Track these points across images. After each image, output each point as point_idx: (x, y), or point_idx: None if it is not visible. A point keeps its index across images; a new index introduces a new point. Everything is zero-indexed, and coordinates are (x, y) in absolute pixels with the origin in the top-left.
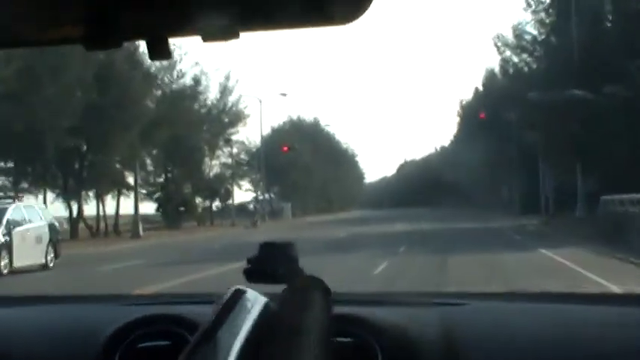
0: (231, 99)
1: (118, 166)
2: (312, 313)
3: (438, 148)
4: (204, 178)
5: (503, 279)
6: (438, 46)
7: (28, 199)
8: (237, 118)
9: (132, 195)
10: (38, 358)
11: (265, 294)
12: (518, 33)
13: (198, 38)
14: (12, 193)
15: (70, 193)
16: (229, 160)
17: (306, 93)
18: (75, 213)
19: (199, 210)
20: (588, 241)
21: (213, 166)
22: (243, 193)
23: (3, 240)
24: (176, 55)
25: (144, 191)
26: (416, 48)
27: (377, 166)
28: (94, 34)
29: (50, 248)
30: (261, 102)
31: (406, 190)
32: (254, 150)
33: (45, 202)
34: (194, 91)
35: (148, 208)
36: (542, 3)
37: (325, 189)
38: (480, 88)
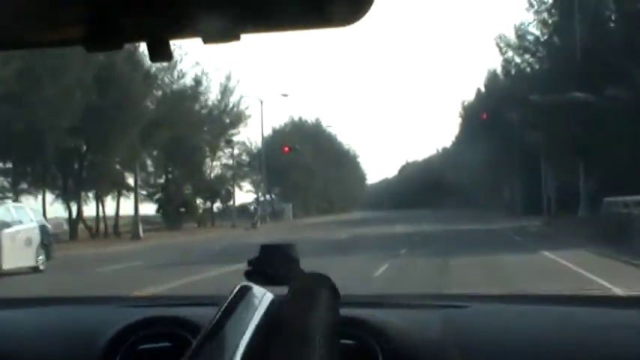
0: (232, 99)
1: (117, 167)
2: (319, 309)
3: (440, 149)
4: (205, 179)
5: (504, 281)
6: (440, 47)
7: (27, 200)
8: (238, 118)
9: (132, 196)
10: (41, 359)
11: None
12: (521, 33)
13: (198, 40)
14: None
15: (69, 194)
16: (230, 161)
17: (307, 94)
18: (74, 214)
19: (200, 211)
20: (591, 243)
21: (214, 167)
22: (244, 195)
23: None
24: (176, 55)
25: (144, 192)
26: (417, 49)
27: (378, 167)
28: (95, 36)
29: (41, 250)
30: (262, 102)
31: (407, 191)
32: (255, 151)
33: (44, 202)
34: (195, 91)
35: (149, 209)
36: (545, 3)
37: (327, 190)
38: (482, 89)
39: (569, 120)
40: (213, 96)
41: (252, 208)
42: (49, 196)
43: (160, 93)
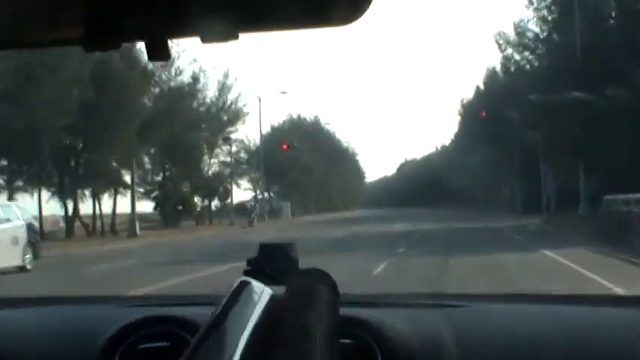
0: (230, 97)
1: (114, 164)
2: (319, 306)
3: (439, 148)
4: (203, 177)
5: (504, 280)
6: (439, 45)
7: (23, 198)
8: (236, 116)
9: (129, 194)
10: (37, 359)
11: None
12: (520, 30)
13: (197, 39)
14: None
15: (65, 192)
16: (228, 159)
17: (306, 91)
18: (71, 212)
19: (198, 209)
20: (591, 241)
21: (212, 164)
22: (242, 193)
23: None
24: (174, 52)
25: (141, 190)
26: (416, 46)
27: (377, 165)
28: (93, 36)
29: (28, 249)
30: (260, 100)
31: (406, 189)
32: (253, 149)
33: (40, 200)
34: (192, 88)
35: (146, 207)
36: (545, 0)
37: (325, 188)
38: (481, 86)
39: (568, 119)
40: (211, 93)
41: (250, 206)
42: (46, 194)
43: (157, 90)
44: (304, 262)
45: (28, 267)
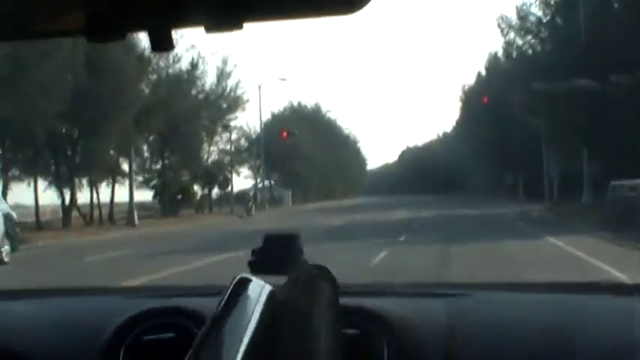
0: (230, 84)
1: (112, 152)
2: (319, 302)
3: (441, 134)
4: (203, 165)
5: (508, 269)
6: (440, 30)
7: (19, 187)
8: (235, 103)
9: (127, 182)
10: (43, 351)
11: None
12: (523, 14)
13: (200, 29)
14: None
15: (62, 181)
16: (228, 147)
17: (306, 78)
18: (68, 201)
19: (198, 197)
20: (596, 228)
21: (212, 152)
22: (243, 181)
23: None
24: None
25: (140, 178)
26: (417, 31)
27: (379, 152)
28: (96, 27)
29: (5, 240)
30: (260, 87)
31: (408, 176)
32: (254, 136)
33: (36, 189)
34: (191, 75)
35: (146, 195)
36: None
37: (327, 176)
38: (483, 72)
39: (571, 105)
40: (210, 80)
41: (248, 194)
42: (43, 184)
43: (155, 77)
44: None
45: (6, 259)
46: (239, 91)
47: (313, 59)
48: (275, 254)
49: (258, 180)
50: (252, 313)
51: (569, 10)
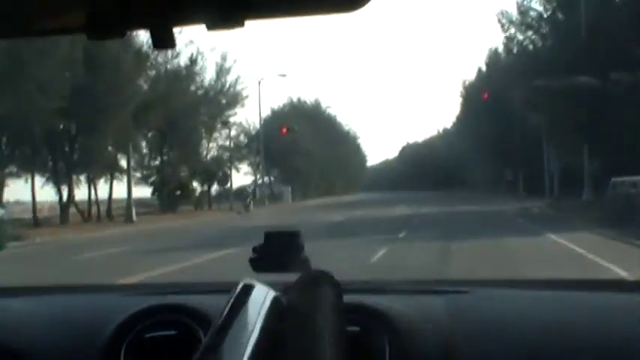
0: (229, 80)
1: (110, 148)
2: (323, 307)
3: (441, 130)
4: (202, 161)
5: (508, 266)
6: (440, 26)
7: (16, 184)
8: (234, 99)
9: (126, 179)
10: (42, 349)
11: (271, 283)
12: (524, 9)
13: (202, 26)
14: None
15: (60, 177)
16: (227, 143)
17: (306, 74)
18: (66, 197)
19: (197, 194)
20: (597, 225)
21: (211, 149)
22: (242, 177)
23: None
24: None
25: (139, 175)
26: (418, 27)
27: (379, 148)
28: (97, 24)
29: None
30: (259, 83)
31: (408, 173)
32: (253, 132)
33: (33, 186)
34: (190, 71)
35: (145, 192)
36: None
37: (327, 172)
38: (483, 68)
39: (572, 102)
40: (209, 76)
41: (246, 190)
42: (40, 180)
43: (153, 73)
44: None
45: None
46: (238, 87)
47: (313, 55)
48: (276, 251)
49: (258, 176)
50: (257, 319)
51: (570, 6)
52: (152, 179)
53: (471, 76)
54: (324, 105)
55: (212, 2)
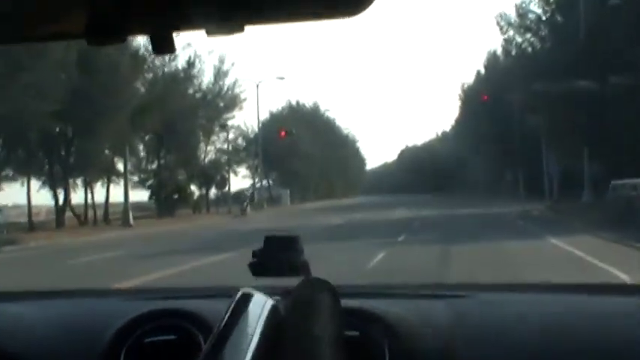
0: (227, 83)
1: (107, 152)
2: (322, 315)
3: (440, 133)
4: (200, 165)
5: (508, 270)
6: (439, 28)
7: (12, 187)
8: (232, 102)
9: (123, 182)
10: (44, 353)
11: (271, 287)
12: (522, 12)
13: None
14: None
15: (56, 181)
16: (225, 146)
17: (304, 77)
18: (62, 201)
19: (195, 197)
20: (597, 228)
21: (209, 152)
22: (240, 180)
23: None
24: None
25: (136, 178)
26: (416, 30)
27: (378, 151)
28: (97, 30)
29: None
30: (258, 86)
31: (407, 176)
32: (252, 135)
33: (29, 189)
34: (188, 74)
35: (142, 195)
36: None
37: (325, 175)
38: (482, 70)
39: (571, 105)
40: (206, 79)
41: (244, 194)
42: (36, 183)
43: (150, 75)
44: None
45: None
46: (236, 90)
47: (312, 58)
48: (275, 256)
49: (256, 179)
50: (255, 328)
51: (569, 8)
52: (149, 183)
53: (469, 79)
54: (322, 108)
55: (212, 8)
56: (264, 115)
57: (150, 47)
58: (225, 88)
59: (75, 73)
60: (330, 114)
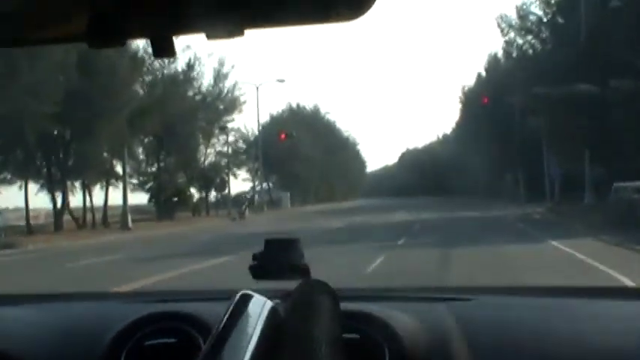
0: (227, 85)
1: (105, 154)
2: (321, 317)
3: (440, 136)
4: (199, 168)
5: (508, 272)
6: (439, 31)
7: (9, 190)
8: (232, 105)
9: (122, 185)
10: (44, 356)
11: (271, 290)
12: (523, 14)
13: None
14: None
15: (54, 184)
16: (225, 149)
17: (305, 80)
18: (60, 204)
19: (195, 200)
20: (599, 231)
21: (209, 154)
22: (240, 183)
23: None
24: None
25: (135, 181)
26: (417, 32)
27: (378, 154)
28: (98, 32)
29: None
30: (258, 88)
31: (408, 178)
32: (252, 138)
33: (26, 192)
34: (187, 76)
35: (141, 198)
36: None
37: (326, 178)
38: (483, 73)
39: (572, 108)
40: (206, 82)
41: (242, 197)
42: (34, 186)
43: (150, 78)
44: None
45: None
46: (236, 93)
47: (312, 60)
48: (276, 259)
49: (257, 182)
50: (254, 330)
51: (570, 10)
52: (149, 185)
53: (470, 81)
54: (323, 111)
55: (212, 12)
56: (265, 118)
57: (150, 50)
58: (225, 91)
59: (74, 75)
60: (331, 116)
